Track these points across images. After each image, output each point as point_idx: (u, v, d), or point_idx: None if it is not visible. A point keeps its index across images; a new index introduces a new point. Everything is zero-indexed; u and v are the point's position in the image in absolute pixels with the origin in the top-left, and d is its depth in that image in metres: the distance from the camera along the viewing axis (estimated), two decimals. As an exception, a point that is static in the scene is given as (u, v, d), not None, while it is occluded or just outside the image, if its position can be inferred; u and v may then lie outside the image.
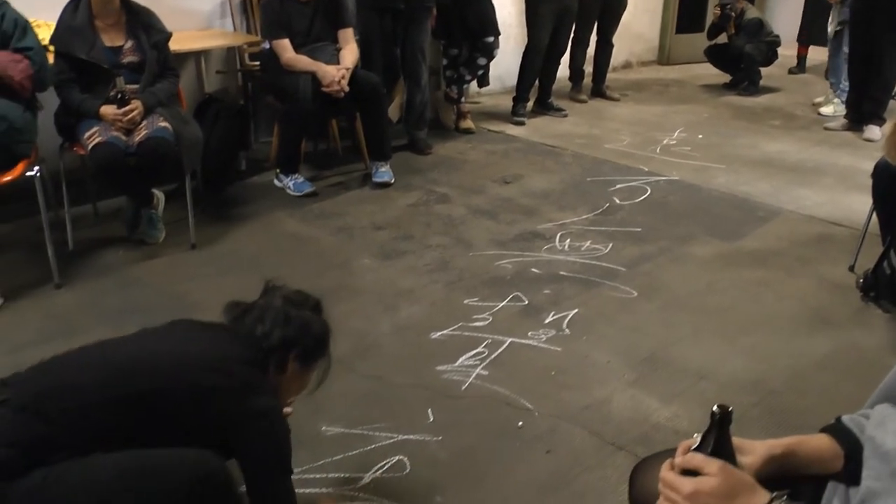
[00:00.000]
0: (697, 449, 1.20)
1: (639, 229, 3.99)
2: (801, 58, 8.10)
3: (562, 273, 3.52)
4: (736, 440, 1.23)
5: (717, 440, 1.18)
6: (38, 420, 1.47)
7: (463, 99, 5.80)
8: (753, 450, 1.26)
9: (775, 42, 7.14)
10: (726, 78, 7.41)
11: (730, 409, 1.17)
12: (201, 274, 3.53)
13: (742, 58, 7.06)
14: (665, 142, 5.57)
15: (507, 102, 6.25)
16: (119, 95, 3.58)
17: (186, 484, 1.52)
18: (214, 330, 1.84)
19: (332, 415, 2.51)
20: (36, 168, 3.36)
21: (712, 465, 1.16)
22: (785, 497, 1.13)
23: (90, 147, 3.50)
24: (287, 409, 2.06)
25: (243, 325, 1.84)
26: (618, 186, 4.63)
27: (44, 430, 1.46)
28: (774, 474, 1.23)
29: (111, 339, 1.76)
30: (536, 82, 6.22)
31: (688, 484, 1.16)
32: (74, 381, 1.56)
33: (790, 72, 8.01)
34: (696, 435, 1.23)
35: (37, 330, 3.06)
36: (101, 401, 1.54)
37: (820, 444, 1.29)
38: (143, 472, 1.51)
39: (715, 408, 1.18)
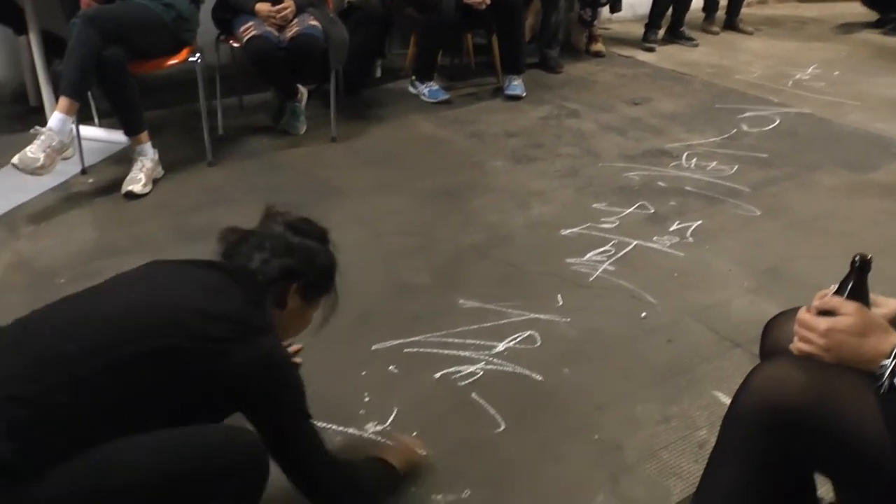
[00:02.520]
0: (835, 294, 1.31)
1: (765, 155, 4.00)
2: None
3: (687, 188, 3.59)
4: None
5: (855, 285, 1.28)
6: (23, 406, 1.26)
7: (596, 22, 5.82)
8: (886, 303, 1.36)
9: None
10: (871, 17, 7.05)
11: (869, 257, 1.28)
12: (341, 164, 3.76)
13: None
14: (798, 76, 5.47)
15: (636, 30, 6.25)
16: (274, -7, 3.80)
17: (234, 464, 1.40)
18: (200, 269, 1.57)
19: (469, 291, 2.70)
20: (197, 55, 3.62)
21: (849, 305, 1.26)
22: (916, 338, 1.23)
23: (245, 39, 3.73)
24: (296, 360, 2.06)
25: (238, 256, 1.63)
26: (746, 114, 4.62)
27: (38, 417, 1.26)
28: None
29: (85, 291, 1.51)
30: (669, 10, 6.18)
31: (823, 322, 1.27)
32: (59, 350, 1.33)
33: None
34: (832, 286, 1.34)
35: (195, 199, 3.38)
36: (90, 371, 1.31)
37: (950, 306, 1.38)
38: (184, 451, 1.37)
39: (856, 256, 1.29)
